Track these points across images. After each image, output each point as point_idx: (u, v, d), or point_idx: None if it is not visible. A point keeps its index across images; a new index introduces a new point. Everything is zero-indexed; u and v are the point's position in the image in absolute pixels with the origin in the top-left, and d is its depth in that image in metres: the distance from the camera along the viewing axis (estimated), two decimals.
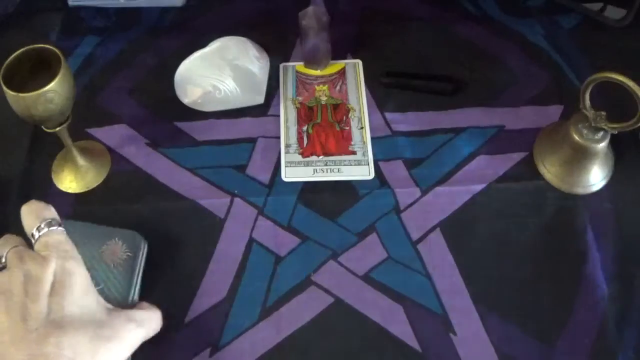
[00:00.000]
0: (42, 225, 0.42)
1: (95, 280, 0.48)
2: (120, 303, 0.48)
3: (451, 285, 0.53)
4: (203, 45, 0.67)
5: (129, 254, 0.50)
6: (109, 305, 0.44)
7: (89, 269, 0.49)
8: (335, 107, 0.65)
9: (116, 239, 0.51)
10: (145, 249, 0.52)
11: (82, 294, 0.41)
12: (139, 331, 0.44)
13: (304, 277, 0.54)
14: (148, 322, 0.46)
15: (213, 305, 0.53)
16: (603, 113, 0.53)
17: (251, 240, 0.56)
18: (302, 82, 0.67)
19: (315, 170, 0.60)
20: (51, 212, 0.44)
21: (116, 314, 0.43)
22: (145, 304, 0.49)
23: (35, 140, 0.63)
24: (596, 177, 0.57)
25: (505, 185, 0.58)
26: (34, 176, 0.61)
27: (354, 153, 0.61)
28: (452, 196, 0.58)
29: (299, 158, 0.61)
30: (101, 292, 0.48)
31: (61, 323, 0.39)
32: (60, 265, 0.41)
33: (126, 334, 0.42)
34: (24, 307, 0.39)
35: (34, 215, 0.43)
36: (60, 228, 0.43)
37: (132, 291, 0.49)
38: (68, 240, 0.43)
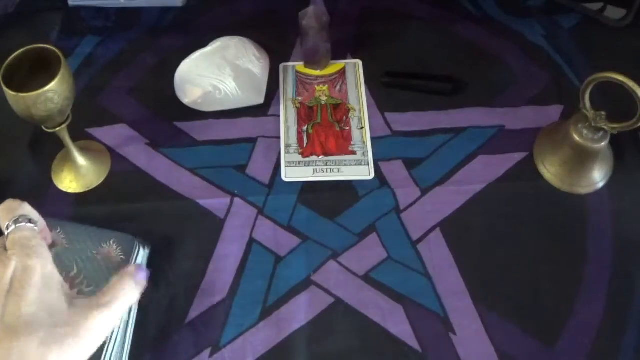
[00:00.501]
0: (10, 223, 0.42)
1: (87, 282, 0.49)
2: None
3: (451, 285, 0.53)
4: (203, 45, 0.67)
5: (122, 257, 0.50)
6: (78, 298, 0.42)
7: (82, 269, 0.49)
8: (335, 107, 0.65)
9: (111, 242, 0.51)
10: (140, 253, 0.52)
11: (43, 291, 0.40)
12: (105, 316, 0.42)
13: (304, 277, 0.54)
14: (119, 298, 0.42)
15: (213, 305, 0.53)
16: (603, 113, 0.53)
17: (251, 240, 0.56)
18: (302, 82, 0.67)
19: (315, 170, 0.60)
20: (22, 209, 0.43)
21: (78, 308, 0.41)
22: (115, 277, 0.44)
23: (35, 140, 0.63)
24: (596, 177, 0.57)
25: (505, 185, 0.58)
26: (33, 176, 0.61)
27: (354, 153, 0.61)
28: (452, 196, 0.58)
29: (299, 158, 0.61)
30: (91, 294, 0.47)
31: (16, 327, 0.38)
32: (22, 262, 0.39)
33: (85, 328, 0.40)
34: None
35: (6, 213, 0.43)
36: (29, 224, 0.42)
37: None
38: (35, 236, 0.42)
